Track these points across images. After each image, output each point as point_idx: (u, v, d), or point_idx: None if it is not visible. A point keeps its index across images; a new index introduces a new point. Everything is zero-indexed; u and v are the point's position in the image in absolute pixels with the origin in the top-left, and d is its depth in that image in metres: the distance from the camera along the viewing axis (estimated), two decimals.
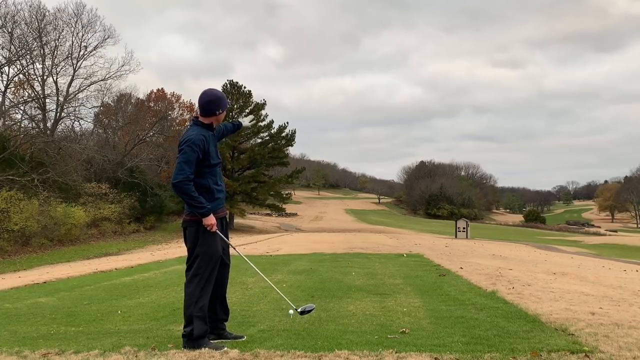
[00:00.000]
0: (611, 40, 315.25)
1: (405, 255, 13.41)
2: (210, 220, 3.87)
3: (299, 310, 4.20)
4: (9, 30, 36.61)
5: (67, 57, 41.85)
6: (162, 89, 60.43)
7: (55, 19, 40.37)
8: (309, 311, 4.23)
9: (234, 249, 4.33)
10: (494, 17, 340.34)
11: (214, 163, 4.00)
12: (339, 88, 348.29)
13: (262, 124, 51.99)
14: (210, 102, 4.01)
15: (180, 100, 60.61)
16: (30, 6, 38.92)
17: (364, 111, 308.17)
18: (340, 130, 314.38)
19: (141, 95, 56.92)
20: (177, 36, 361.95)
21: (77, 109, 43.52)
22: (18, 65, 38.83)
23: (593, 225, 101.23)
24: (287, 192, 58.02)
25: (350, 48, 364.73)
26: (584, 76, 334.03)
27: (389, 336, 4.04)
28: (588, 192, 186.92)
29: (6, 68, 37.94)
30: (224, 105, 4.10)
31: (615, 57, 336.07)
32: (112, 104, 50.00)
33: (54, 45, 40.64)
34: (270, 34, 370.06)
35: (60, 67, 41.86)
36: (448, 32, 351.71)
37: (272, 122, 51.93)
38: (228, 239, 4.22)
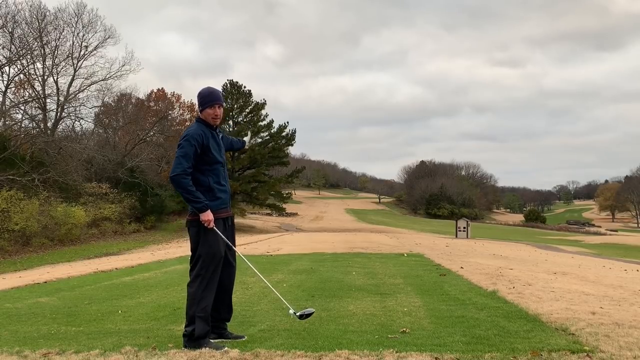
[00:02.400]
0: (612, 39, 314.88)
1: (405, 255, 13.41)
2: (208, 215, 3.84)
3: (298, 314, 4.11)
4: (10, 30, 36.66)
5: (68, 57, 41.92)
6: (162, 88, 60.49)
7: (56, 18, 40.45)
8: (308, 315, 4.14)
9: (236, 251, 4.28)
10: (494, 15, 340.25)
11: (214, 160, 3.99)
12: (338, 87, 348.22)
13: (262, 123, 52.01)
14: (202, 96, 4.06)
15: (181, 100, 60.66)
16: (31, 6, 38.97)
17: (363, 110, 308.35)
18: (340, 129, 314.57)
19: (141, 95, 56.99)
20: (175, 35, 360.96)
21: (77, 109, 43.59)
22: (19, 65, 38.91)
23: (593, 225, 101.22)
24: (287, 191, 57.99)
25: (350, 47, 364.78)
26: (585, 75, 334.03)
27: (389, 336, 4.04)
28: (588, 191, 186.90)
29: (7, 68, 38.02)
30: (215, 98, 4.07)
31: (616, 55, 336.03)
32: (112, 103, 50.04)
33: (55, 45, 40.73)
34: (270, 33, 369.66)
35: (61, 67, 41.95)
36: (448, 31, 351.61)
37: (272, 121, 51.96)
38: (234, 240, 4.19)
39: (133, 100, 53.88)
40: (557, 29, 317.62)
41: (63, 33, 41.25)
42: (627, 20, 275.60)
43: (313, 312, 4.20)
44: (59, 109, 41.61)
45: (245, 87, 52.23)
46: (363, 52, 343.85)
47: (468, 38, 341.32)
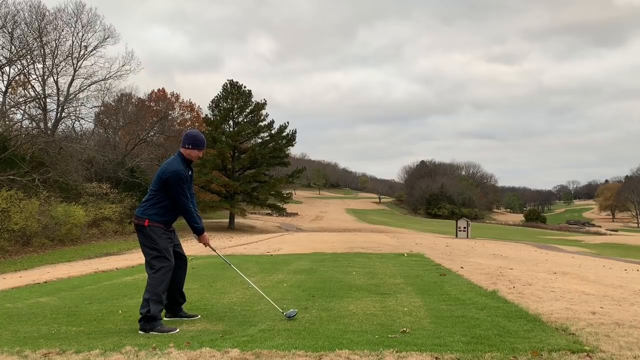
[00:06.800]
0: (613, 34, 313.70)
1: (405, 254, 13.40)
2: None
3: (285, 314, 4.81)
4: (9, 30, 36.70)
5: (68, 57, 41.93)
6: (162, 89, 60.63)
7: (55, 18, 40.48)
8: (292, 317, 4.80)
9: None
10: (493, 6, 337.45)
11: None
12: (333, 84, 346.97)
13: (262, 124, 52.01)
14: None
15: (180, 100, 60.72)
16: (30, 6, 38.99)
17: (360, 108, 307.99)
18: (337, 127, 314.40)
19: (141, 95, 57.05)
20: (162, 27, 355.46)
21: (77, 109, 43.62)
22: (19, 65, 38.91)
23: (594, 225, 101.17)
24: (287, 191, 57.99)
25: (345, 41, 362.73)
26: (585, 71, 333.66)
27: (389, 336, 4.04)
28: (589, 191, 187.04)
29: (7, 68, 38.03)
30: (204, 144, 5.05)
31: (617, 51, 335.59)
32: (112, 103, 50.06)
33: (55, 45, 40.75)
34: (262, 26, 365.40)
35: (61, 67, 41.96)
36: (445, 22, 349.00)
37: (272, 122, 51.97)
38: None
39: (133, 100, 53.93)
40: (558, 21, 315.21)
41: (62, 33, 41.34)
42: (630, 14, 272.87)
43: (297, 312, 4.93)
44: (59, 109, 41.63)
45: (245, 87, 52.31)
46: (358, 46, 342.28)
47: (466, 31, 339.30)
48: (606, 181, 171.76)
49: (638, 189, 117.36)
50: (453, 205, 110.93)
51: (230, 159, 50.74)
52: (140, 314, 4.64)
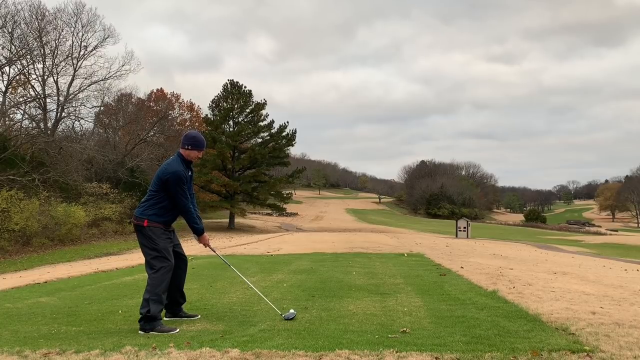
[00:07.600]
0: (614, 33, 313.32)
1: (405, 254, 13.40)
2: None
3: (283, 316, 4.84)
4: (9, 30, 36.73)
5: (68, 57, 41.94)
6: (161, 88, 60.64)
7: (55, 18, 40.53)
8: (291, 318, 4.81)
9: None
10: (493, 6, 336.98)
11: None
12: (333, 83, 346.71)
13: (262, 123, 52.00)
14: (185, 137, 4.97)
15: (180, 100, 60.73)
16: (30, 6, 39.04)
17: (360, 108, 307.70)
18: (337, 127, 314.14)
19: (141, 95, 57.07)
20: (161, 27, 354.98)
21: (77, 109, 43.65)
22: (19, 65, 38.92)
23: (594, 225, 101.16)
24: (287, 191, 57.96)
25: (345, 40, 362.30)
26: (585, 71, 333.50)
27: (389, 336, 4.04)
28: (589, 191, 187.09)
29: (7, 68, 38.04)
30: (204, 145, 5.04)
31: (617, 51, 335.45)
32: (112, 103, 50.08)
33: (54, 45, 40.77)
34: (261, 26, 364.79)
35: (61, 67, 41.98)
36: (445, 22, 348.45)
37: (272, 122, 51.96)
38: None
39: (133, 100, 53.95)
40: (558, 21, 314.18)
41: (62, 33, 41.37)
42: (630, 14, 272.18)
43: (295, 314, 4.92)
44: (59, 109, 41.65)
45: (245, 87, 52.30)
46: (358, 46, 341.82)
47: (466, 30, 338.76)
48: (606, 181, 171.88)
49: (638, 189, 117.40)
50: (453, 205, 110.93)
51: (230, 159, 50.72)
52: (140, 314, 4.64)
